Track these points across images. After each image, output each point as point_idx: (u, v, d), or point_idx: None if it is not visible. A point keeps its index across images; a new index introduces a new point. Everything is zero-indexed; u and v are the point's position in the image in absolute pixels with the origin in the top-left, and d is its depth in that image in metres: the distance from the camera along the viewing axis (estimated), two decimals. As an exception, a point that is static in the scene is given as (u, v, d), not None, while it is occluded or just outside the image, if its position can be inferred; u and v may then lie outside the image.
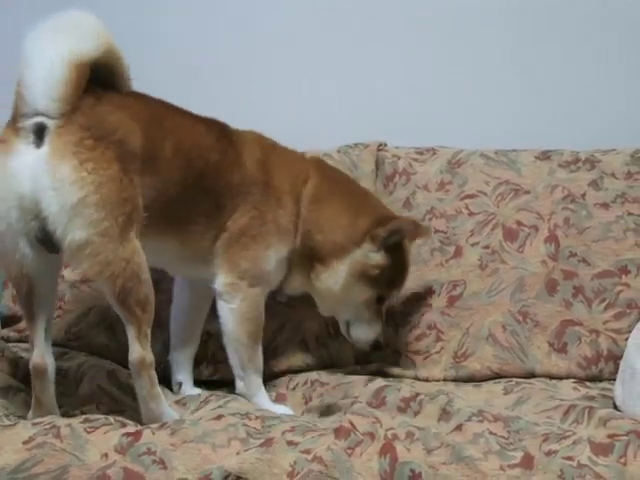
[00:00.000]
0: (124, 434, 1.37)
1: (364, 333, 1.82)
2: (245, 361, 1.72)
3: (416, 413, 1.52)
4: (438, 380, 1.85)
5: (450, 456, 1.34)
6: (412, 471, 1.31)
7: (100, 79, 1.51)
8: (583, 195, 2.03)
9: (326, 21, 2.32)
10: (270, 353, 1.91)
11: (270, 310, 1.94)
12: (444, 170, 2.09)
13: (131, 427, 1.41)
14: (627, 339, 1.76)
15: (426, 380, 1.85)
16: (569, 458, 1.32)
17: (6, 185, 1.43)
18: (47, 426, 1.38)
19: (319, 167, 1.86)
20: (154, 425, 1.41)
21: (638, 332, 1.71)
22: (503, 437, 1.39)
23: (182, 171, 1.61)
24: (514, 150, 2.13)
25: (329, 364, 1.91)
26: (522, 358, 1.85)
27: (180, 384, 1.81)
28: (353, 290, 1.78)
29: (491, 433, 1.39)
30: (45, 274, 1.51)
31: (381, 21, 2.31)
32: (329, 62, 2.31)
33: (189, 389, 1.82)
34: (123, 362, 1.84)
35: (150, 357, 1.51)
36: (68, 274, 1.97)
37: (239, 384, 1.74)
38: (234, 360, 1.73)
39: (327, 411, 1.65)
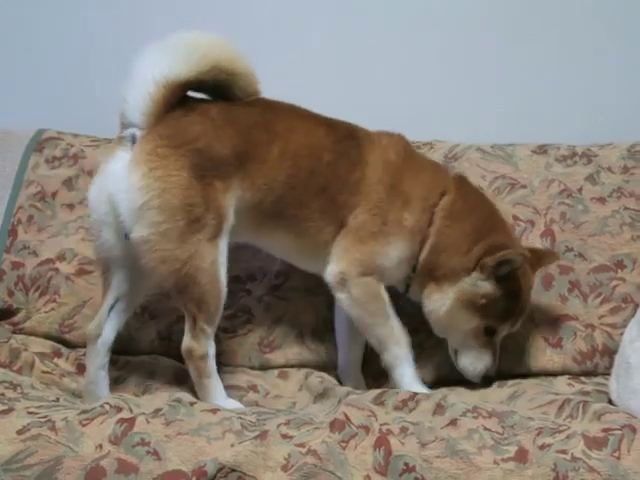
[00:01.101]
0: (118, 421, 1.37)
1: (471, 364, 1.76)
2: (380, 338, 1.73)
3: (412, 410, 1.52)
4: (432, 380, 1.85)
5: (444, 450, 1.34)
6: (406, 464, 1.31)
7: (217, 91, 1.68)
8: (580, 189, 2.03)
9: (321, 15, 2.32)
10: (266, 347, 1.92)
11: (266, 304, 1.95)
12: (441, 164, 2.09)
13: (126, 412, 1.40)
14: (622, 334, 1.76)
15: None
16: (563, 452, 1.32)
17: (102, 183, 1.64)
18: (42, 419, 1.37)
19: (459, 184, 1.83)
20: (148, 412, 1.41)
21: (633, 326, 1.72)
22: (498, 432, 1.38)
23: (289, 170, 1.69)
24: (511, 144, 2.13)
25: (326, 358, 1.91)
26: (517, 353, 1.85)
27: None
28: (459, 317, 1.74)
29: (486, 429, 1.39)
30: (122, 261, 1.67)
31: (378, 16, 2.31)
32: (323, 56, 2.30)
33: None
34: (118, 353, 1.85)
35: (201, 350, 1.61)
36: (63, 267, 1.98)
37: (384, 356, 1.74)
38: (371, 340, 1.75)
39: (323, 395, 1.66)
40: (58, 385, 1.75)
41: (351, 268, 1.71)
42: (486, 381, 1.76)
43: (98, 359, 1.70)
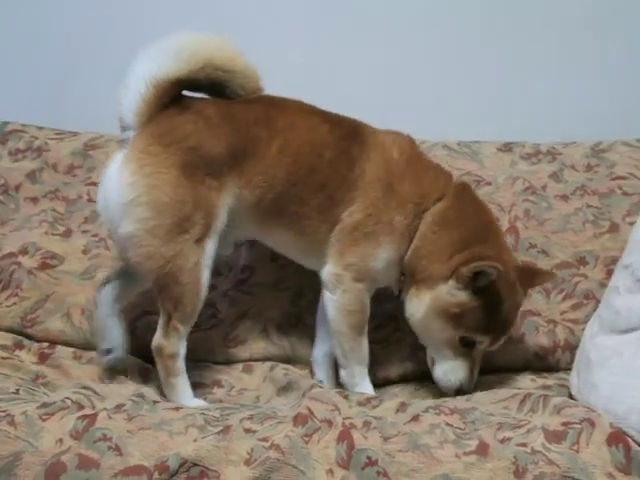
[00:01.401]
0: (79, 417, 1.36)
1: (444, 375, 1.72)
2: (347, 351, 1.72)
3: (375, 407, 1.53)
4: (398, 376, 1.85)
5: (406, 444, 1.35)
6: (369, 458, 1.32)
7: (216, 90, 1.69)
8: (544, 187, 2.05)
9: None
10: (231, 342, 1.91)
11: (231, 298, 1.95)
12: (407, 161, 2.09)
13: (88, 409, 1.40)
14: (584, 329, 1.79)
15: (386, 378, 1.84)
16: (523, 445, 1.34)
17: (102, 185, 1.68)
18: (2, 413, 1.36)
19: (460, 192, 1.79)
20: (110, 407, 1.40)
21: (594, 322, 1.74)
22: (459, 428, 1.40)
23: (290, 167, 1.68)
24: (477, 141, 2.15)
25: (291, 353, 1.91)
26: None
27: (321, 382, 1.79)
28: (433, 324, 1.70)
29: (447, 424, 1.40)
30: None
31: (348, 16, 2.31)
32: (301, 54, 2.30)
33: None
34: (82, 348, 1.84)
35: (170, 349, 1.61)
36: (26, 261, 1.95)
37: (342, 372, 1.74)
38: (337, 349, 1.74)
39: (287, 388, 1.66)
40: (19, 369, 1.72)
41: (346, 272, 1.71)
42: (459, 394, 1.70)
43: (103, 308, 1.77)
